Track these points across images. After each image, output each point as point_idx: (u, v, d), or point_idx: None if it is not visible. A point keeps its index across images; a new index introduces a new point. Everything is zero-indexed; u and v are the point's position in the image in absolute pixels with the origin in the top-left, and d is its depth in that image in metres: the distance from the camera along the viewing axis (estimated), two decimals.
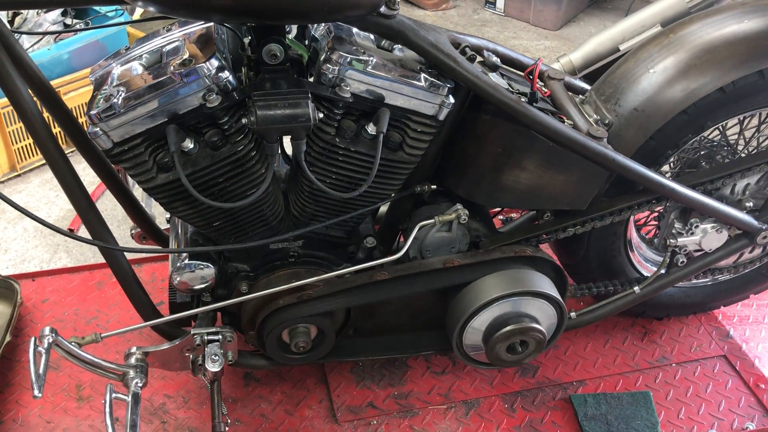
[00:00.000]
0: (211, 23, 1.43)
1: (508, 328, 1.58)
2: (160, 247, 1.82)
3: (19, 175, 2.97)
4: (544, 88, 1.68)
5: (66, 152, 1.44)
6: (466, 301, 1.60)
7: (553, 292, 1.62)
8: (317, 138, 1.41)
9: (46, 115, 1.46)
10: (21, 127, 2.81)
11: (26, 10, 2.93)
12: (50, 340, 1.42)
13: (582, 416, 1.83)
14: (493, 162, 1.56)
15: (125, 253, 1.56)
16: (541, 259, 1.65)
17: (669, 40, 1.63)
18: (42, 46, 2.87)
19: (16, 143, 2.90)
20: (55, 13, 2.95)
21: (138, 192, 1.87)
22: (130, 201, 1.75)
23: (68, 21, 3.00)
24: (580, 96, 1.73)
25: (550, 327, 1.66)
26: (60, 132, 2.61)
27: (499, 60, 1.59)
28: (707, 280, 2.01)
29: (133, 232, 1.90)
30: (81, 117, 2.86)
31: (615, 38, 1.87)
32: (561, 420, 1.84)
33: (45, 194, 2.90)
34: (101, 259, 1.62)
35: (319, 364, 1.95)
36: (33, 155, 2.97)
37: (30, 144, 2.90)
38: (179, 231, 1.64)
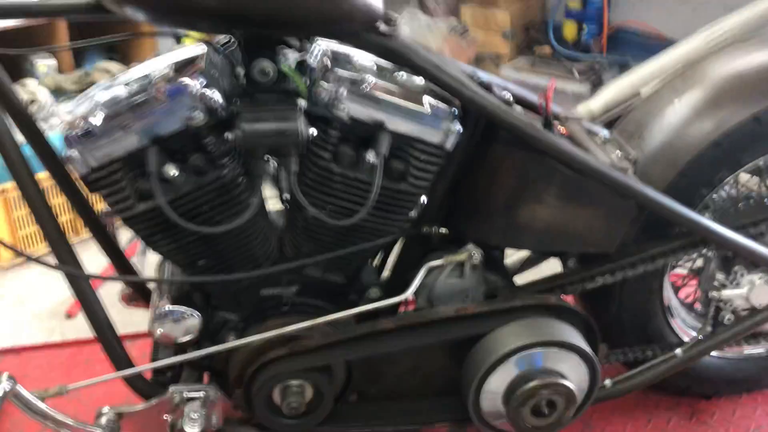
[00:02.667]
0: (203, 51, 1.36)
1: (532, 383, 1.37)
2: (129, 276, 1.62)
3: (24, 262, 2.87)
4: (560, 127, 1.56)
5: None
6: (482, 354, 1.41)
7: (586, 347, 1.42)
8: (312, 164, 1.30)
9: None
10: (26, 214, 2.75)
11: (43, 100, 2.95)
12: (6, 389, 1.25)
13: None
14: (507, 196, 1.42)
15: (107, 315, 1.41)
16: (567, 309, 1.46)
17: (694, 71, 1.53)
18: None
19: (22, 229, 2.83)
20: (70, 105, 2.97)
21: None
22: (116, 255, 1.62)
23: None
24: (601, 137, 1.61)
25: (580, 387, 1.44)
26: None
27: (511, 96, 1.49)
28: (762, 349, 1.78)
29: (121, 293, 1.75)
30: None
31: (635, 83, 1.77)
32: None
33: (46, 281, 2.79)
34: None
35: None
36: (38, 243, 2.89)
37: (35, 231, 2.82)
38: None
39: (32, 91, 3.00)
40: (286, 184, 1.31)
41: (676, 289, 1.79)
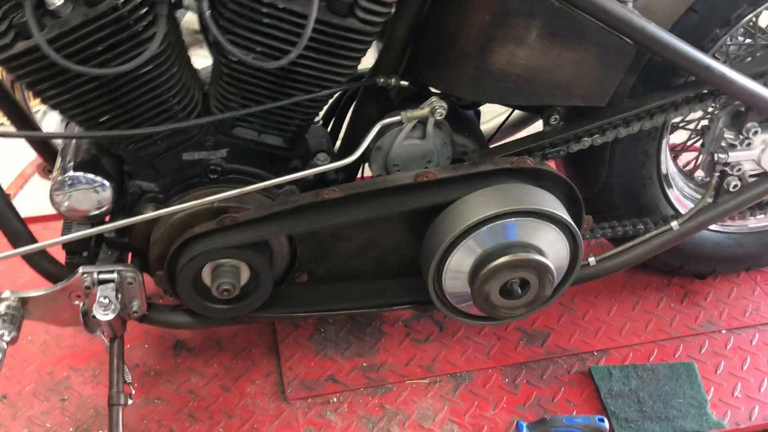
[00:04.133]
0: None
1: (502, 259, 1.17)
2: (28, 132, 1.35)
3: None
4: None
5: None
6: (445, 225, 1.19)
7: (566, 216, 1.20)
8: None
9: None
10: None
11: None
12: None
13: (605, 393, 1.40)
14: (480, 36, 1.15)
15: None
16: (547, 173, 1.24)
17: None
18: None
19: None
20: None
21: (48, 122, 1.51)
22: (23, 119, 1.36)
23: None
24: None
25: (559, 264, 1.24)
26: None
27: None
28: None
29: (37, 166, 1.51)
30: None
31: None
32: (578, 398, 1.41)
33: None
34: None
35: (270, 330, 1.55)
36: None
37: None
38: (73, 142, 1.26)
39: None
40: (202, 19, 1.05)
41: (676, 155, 1.57)
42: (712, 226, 1.56)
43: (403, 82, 1.23)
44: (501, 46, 1.15)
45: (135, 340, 1.52)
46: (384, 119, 1.19)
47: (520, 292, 1.19)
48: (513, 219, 1.17)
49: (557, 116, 1.27)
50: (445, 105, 1.18)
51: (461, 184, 1.21)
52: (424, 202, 1.22)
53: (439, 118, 1.18)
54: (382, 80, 1.21)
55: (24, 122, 1.35)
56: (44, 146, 1.42)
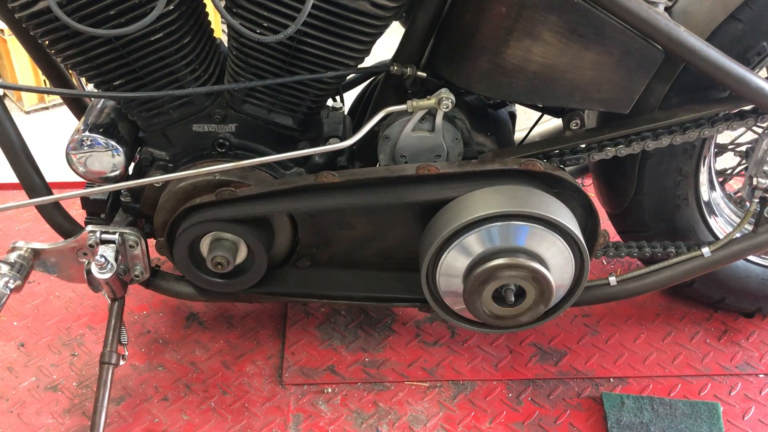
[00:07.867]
0: None
1: (497, 261, 1.11)
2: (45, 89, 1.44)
3: None
4: None
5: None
6: (442, 221, 1.15)
7: (572, 225, 1.13)
8: None
9: None
10: None
11: None
12: None
13: (613, 422, 1.31)
14: (495, 29, 1.11)
15: (20, 135, 1.22)
16: (561, 179, 1.17)
17: None
18: None
19: None
20: None
21: None
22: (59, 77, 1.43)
23: None
24: None
25: (562, 278, 1.17)
26: None
27: None
28: None
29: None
30: None
31: None
32: (582, 423, 1.33)
33: None
34: None
35: (281, 315, 1.55)
36: None
37: None
38: (97, 106, 1.31)
39: None
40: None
41: (724, 180, 1.45)
42: (760, 260, 1.43)
43: (422, 74, 1.20)
44: (516, 40, 1.10)
45: (152, 308, 1.57)
46: (389, 107, 1.16)
47: (513, 300, 1.13)
48: (515, 222, 1.11)
49: (578, 121, 1.20)
50: (452, 97, 1.14)
51: (465, 182, 1.17)
52: (425, 196, 1.18)
53: (445, 110, 1.14)
54: (395, 68, 1.19)
55: (62, 83, 1.41)
56: (81, 109, 1.48)
